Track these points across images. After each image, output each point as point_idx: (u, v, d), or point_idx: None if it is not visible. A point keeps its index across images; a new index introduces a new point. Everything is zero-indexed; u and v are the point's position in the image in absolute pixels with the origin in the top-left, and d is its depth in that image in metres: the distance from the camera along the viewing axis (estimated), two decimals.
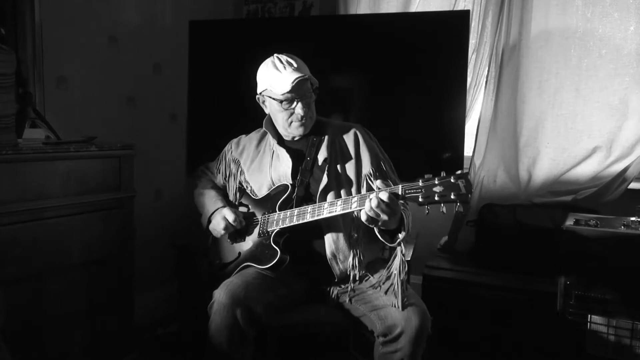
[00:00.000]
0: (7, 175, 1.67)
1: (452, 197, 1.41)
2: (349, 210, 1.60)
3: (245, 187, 1.93)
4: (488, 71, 2.69)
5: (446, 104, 2.56)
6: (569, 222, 2.10)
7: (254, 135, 2.00)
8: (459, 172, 1.42)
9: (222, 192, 2.00)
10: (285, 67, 1.75)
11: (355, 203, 1.58)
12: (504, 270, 2.44)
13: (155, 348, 2.53)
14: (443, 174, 1.45)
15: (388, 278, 1.71)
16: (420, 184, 1.46)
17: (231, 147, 2.02)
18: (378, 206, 1.49)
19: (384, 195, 1.49)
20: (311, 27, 2.88)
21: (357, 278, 1.75)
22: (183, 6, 2.92)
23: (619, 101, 2.49)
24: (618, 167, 2.48)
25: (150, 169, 2.73)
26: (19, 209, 1.70)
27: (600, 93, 2.52)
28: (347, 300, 1.75)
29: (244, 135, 2.04)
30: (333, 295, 1.80)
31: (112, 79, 2.56)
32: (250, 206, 1.88)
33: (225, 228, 1.82)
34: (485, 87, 2.69)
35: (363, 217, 1.54)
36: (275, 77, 1.76)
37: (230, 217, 1.80)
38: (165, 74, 2.85)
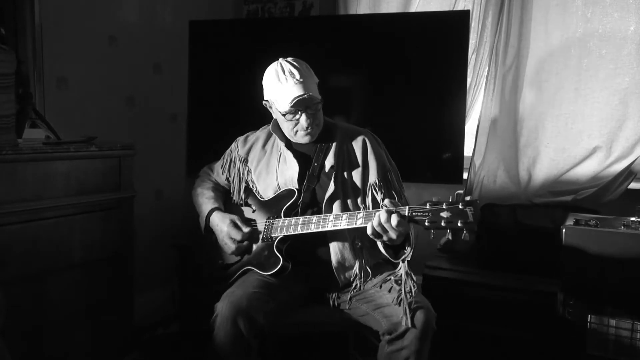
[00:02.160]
0: (7, 175, 1.67)
1: (459, 224, 1.39)
2: (353, 226, 1.59)
3: (251, 186, 1.89)
4: (488, 71, 2.69)
5: (446, 104, 2.57)
6: (569, 222, 2.10)
7: (261, 134, 1.94)
8: (467, 198, 1.40)
9: (222, 192, 1.98)
10: (287, 79, 1.68)
11: (361, 219, 1.58)
12: (504, 270, 2.44)
13: (155, 348, 2.53)
14: (451, 199, 1.43)
15: (393, 281, 1.68)
16: (428, 208, 1.44)
17: (237, 145, 1.96)
18: (387, 222, 1.48)
19: (394, 219, 1.46)
20: (311, 27, 2.88)
21: (360, 287, 1.74)
22: (183, 6, 2.92)
23: (619, 101, 2.49)
24: (618, 167, 2.48)
25: (150, 169, 2.73)
26: (19, 209, 1.70)
27: (600, 93, 2.52)
28: (348, 300, 1.75)
29: (251, 133, 1.98)
30: (332, 299, 1.79)
31: (112, 79, 2.56)
32: (255, 207, 1.86)
33: (236, 250, 1.80)
34: (485, 87, 2.69)
35: (369, 231, 1.53)
36: (277, 90, 1.71)
37: (238, 236, 1.77)
38: (165, 74, 2.85)
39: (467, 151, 2.61)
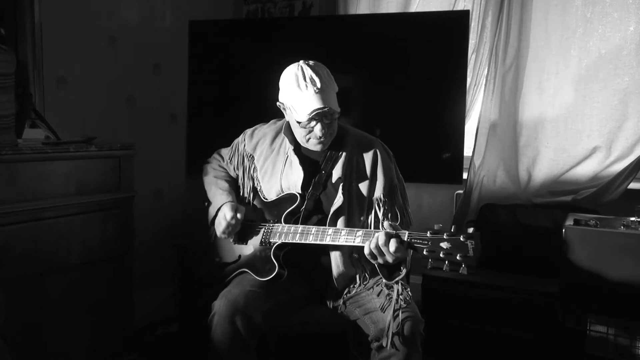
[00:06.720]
0: (6, 175, 1.67)
1: (458, 258, 1.36)
2: (351, 244, 1.58)
3: (256, 184, 1.87)
4: (488, 71, 2.69)
5: (446, 104, 2.57)
6: (569, 222, 2.10)
7: (269, 131, 1.90)
8: (470, 230, 1.37)
9: (234, 183, 1.94)
10: (307, 86, 1.63)
11: (359, 238, 1.55)
12: (504, 270, 2.44)
13: (155, 348, 2.53)
14: (453, 228, 1.40)
15: (383, 284, 1.67)
16: (428, 236, 1.41)
17: (245, 139, 1.92)
18: (385, 246, 1.45)
19: (392, 245, 1.44)
20: (311, 27, 2.88)
21: (356, 292, 1.74)
22: (183, 6, 2.92)
23: (618, 101, 2.49)
24: (618, 167, 2.48)
25: (150, 169, 2.73)
26: (19, 209, 1.70)
27: (600, 93, 2.52)
28: (342, 303, 1.75)
29: (259, 126, 1.94)
30: (330, 302, 1.79)
31: (111, 79, 2.56)
32: (258, 207, 1.84)
33: (224, 232, 1.78)
34: (485, 87, 2.69)
35: (365, 251, 1.52)
36: (295, 96, 1.65)
37: (229, 214, 1.74)
38: (165, 74, 2.85)
39: (467, 151, 2.61)
